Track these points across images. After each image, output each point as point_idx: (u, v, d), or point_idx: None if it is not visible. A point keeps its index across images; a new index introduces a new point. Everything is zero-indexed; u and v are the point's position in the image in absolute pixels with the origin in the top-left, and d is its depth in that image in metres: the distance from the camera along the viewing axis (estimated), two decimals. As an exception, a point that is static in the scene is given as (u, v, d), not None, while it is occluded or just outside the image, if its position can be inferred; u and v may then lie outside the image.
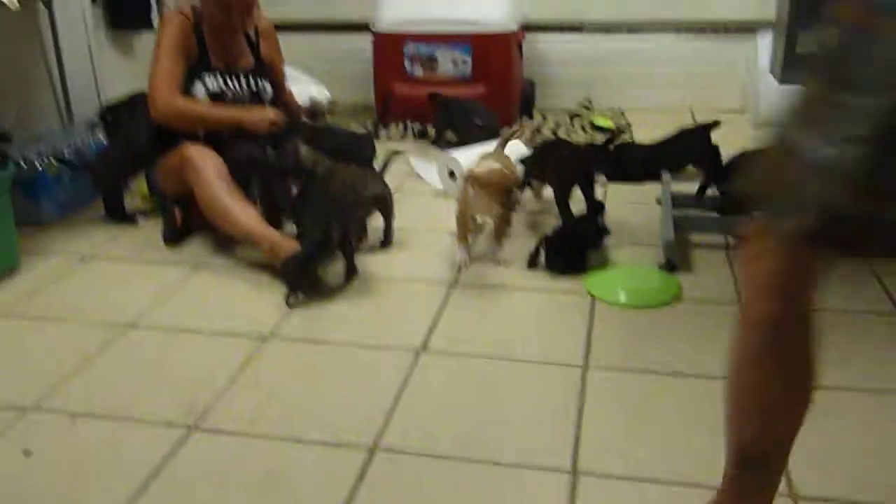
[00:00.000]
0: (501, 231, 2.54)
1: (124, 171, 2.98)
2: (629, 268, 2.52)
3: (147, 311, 2.32)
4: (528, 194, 2.96)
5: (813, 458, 1.61)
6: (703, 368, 1.94)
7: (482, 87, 3.98)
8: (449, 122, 3.77)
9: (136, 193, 3.11)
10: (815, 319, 1.16)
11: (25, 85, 3.26)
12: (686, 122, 3.71)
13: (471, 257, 2.56)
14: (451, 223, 2.59)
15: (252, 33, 2.93)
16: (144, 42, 3.79)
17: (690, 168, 3.23)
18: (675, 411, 1.81)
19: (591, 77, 4.52)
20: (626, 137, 3.89)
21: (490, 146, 2.94)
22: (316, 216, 2.40)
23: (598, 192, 2.79)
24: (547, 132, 3.99)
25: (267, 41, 2.98)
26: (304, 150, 2.54)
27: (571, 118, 4.26)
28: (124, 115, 3.01)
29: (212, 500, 1.57)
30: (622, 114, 4.36)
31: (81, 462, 1.68)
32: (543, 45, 4.54)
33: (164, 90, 2.71)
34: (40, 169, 2.91)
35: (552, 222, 2.71)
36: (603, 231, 2.60)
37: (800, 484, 1.55)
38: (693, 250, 2.64)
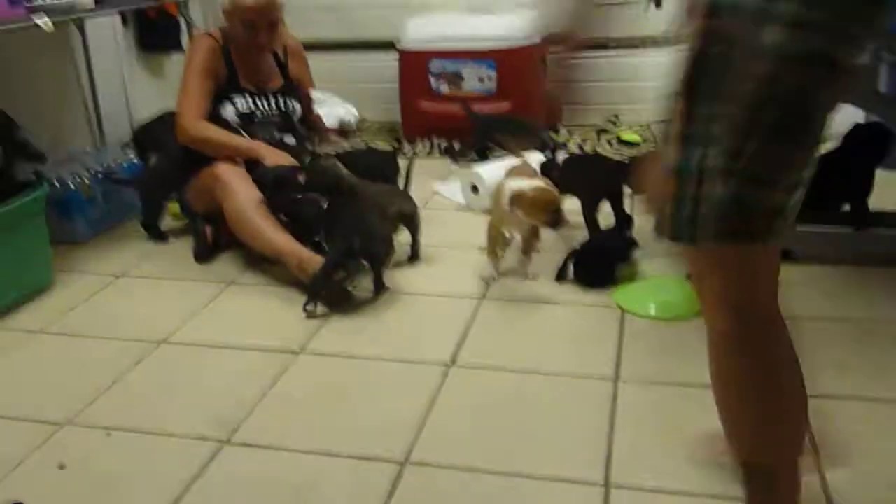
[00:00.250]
0: (531, 245, 2.54)
1: (170, 185, 3.01)
2: (658, 280, 2.51)
3: (179, 327, 2.34)
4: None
5: (856, 470, 1.59)
6: (735, 381, 1.92)
7: (507, 103, 3.99)
8: (486, 134, 3.73)
9: (168, 211, 3.15)
10: (778, 322, 1.18)
11: (59, 106, 3.32)
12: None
13: (499, 272, 2.56)
14: (477, 238, 2.59)
15: (280, 52, 2.97)
16: (174, 63, 3.85)
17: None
18: (706, 423, 1.78)
19: (617, 92, 4.51)
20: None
21: (514, 160, 2.94)
22: (344, 232, 2.42)
23: (626, 205, 2.78)
24: (574, 147, 3.99)
25: (295, 60, 3.02)
26: (334, 167, 2.56)
27: (598, 133, 4.26)
28: (158, 133, 3.06)
29: (244, 514, 1.58)
30: (649, 127, 4.35)
31: (115, 476, 1.70)
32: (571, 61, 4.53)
33: (189, 116, 2.75)
34: (73, 188, 2.96)
35: (580, 236, 2.70)
36: (632, 244, 2.59)
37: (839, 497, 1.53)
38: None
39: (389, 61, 4.25)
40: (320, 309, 2.37)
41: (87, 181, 3.00)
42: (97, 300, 2.57)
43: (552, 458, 1.69)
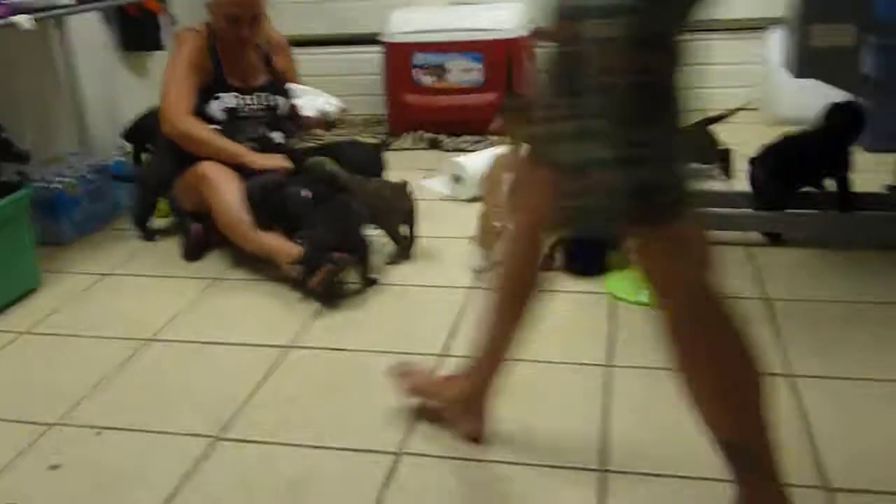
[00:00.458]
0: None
1: (168, 181, 2.93)
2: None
3: (168, 325, 2.33)
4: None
5: (848, 450, 1.60)
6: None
7: (494, 95, 3.98)
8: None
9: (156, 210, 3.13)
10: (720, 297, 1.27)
11: (42, 106, 3.29)
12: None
13: (490, 262, 2.55)
14: (464, 229, 2.58)
15: (265, 47, 2.95)
16: (157, 62, 3.80)
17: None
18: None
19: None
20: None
21: (498, 150, 2.93)
22: (334, 225, 2.41)
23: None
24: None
25: (279, 55, 3.00)
26: (329, 164, 2.56)
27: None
28: (150, 128, 3.00)
29: (239, 509, 1.57)
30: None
31: (107, 475, 1.68)
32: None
33: (174, 110, 2.72)
34: (59, 188, 2.93)
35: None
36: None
37: (833, 476, 1.53)
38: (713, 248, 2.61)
39: (374, 55, 4.24)
40: (313, 304, 2.35)
41: (72, 181, 2.98)
42: (84, 300, 2.55)
43: (547, 445, 1.69)
